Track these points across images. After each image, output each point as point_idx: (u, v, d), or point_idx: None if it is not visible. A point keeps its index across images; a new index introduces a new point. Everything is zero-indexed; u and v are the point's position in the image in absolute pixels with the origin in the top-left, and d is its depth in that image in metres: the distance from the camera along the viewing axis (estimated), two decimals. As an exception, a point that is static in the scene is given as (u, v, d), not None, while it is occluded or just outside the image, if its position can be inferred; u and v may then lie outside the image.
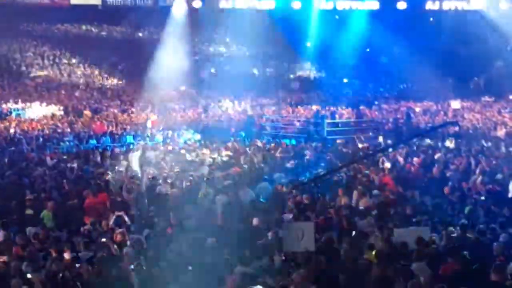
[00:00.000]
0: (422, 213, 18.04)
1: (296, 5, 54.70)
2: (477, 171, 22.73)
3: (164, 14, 54.49)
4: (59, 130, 36.73)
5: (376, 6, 55.99)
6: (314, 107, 46.60)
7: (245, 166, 25.94)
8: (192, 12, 54.31)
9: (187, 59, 52.91)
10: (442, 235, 15.39)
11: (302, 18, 55.34)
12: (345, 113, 43.50)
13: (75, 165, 26.14)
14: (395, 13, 54.59)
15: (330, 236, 15.54)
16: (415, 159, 25.82)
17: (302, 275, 12.53)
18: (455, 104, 46.11)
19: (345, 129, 36.71)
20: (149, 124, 39.07)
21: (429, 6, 56.87)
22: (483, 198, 19.08)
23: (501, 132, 33.59)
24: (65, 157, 28.34)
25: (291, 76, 60.26)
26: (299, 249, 13.75)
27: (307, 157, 27.79)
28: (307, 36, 57.34)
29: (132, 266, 14.14)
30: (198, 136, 35.47)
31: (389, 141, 31.25)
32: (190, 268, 13.65)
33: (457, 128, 32.25)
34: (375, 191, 20.72)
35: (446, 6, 56.35)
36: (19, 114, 43.17)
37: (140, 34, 61.14)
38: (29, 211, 19.75)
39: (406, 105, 47.19)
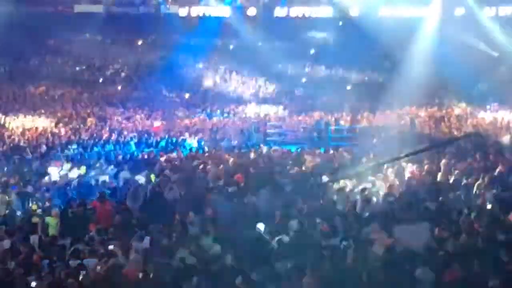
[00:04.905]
0: (427, 219, 17.92)
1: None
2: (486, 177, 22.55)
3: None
4: (62, 138, 36.49)
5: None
6: (317, 114, 46.15)
7: (252, 172, 25.81)
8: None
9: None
10: (449, 241, 15.28)
11: None
12: (349, 120, 43.17)
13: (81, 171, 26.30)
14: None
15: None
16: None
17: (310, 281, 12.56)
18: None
19: (349, 136, 36.64)
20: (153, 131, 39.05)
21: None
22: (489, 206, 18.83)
23: (506, 138, 33.25)
24: (69, 165, 28.31)
25: None
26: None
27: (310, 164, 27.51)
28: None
29: (140, 274, 14.10)
30: (203, 143, 35.46)
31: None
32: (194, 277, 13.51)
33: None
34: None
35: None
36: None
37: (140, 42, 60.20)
38: (35, 219, 19.77)
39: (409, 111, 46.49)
